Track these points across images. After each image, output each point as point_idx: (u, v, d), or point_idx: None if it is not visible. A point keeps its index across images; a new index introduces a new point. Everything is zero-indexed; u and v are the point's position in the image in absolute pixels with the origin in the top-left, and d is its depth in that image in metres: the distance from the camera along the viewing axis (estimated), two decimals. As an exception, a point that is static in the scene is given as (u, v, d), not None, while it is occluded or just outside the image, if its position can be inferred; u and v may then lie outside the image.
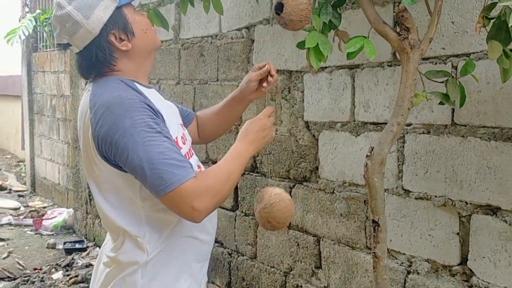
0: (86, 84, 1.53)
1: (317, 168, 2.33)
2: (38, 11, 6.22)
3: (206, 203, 1.33)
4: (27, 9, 6.78)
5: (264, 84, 1.67)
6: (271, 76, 1.66)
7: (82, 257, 4.33)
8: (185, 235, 1.48)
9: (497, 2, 1.35)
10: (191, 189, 1.31)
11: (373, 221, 1.49)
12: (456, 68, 1.73)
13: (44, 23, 6.13)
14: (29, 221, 5.34)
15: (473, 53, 1.68)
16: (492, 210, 1.66)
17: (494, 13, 1.38)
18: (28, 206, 6.02)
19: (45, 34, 6.29)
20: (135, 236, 1.43)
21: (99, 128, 1.33)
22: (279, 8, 1.52)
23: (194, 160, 1.55)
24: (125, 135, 1.29)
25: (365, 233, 2.11)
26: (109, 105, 1.33)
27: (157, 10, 2.12)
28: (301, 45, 1.65)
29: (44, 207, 5.92)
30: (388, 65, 1.98)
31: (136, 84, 1.44)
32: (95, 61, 1.43)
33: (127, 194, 1.42)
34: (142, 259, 1.43)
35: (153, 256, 1.44)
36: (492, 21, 1.37)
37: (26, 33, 5.90)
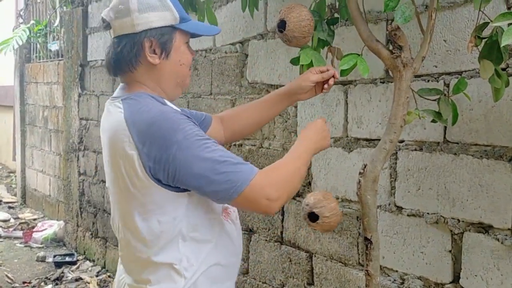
0: (108, 101, 1.44)
1: (310, 183, 2.32)
2: (32, 22, 6.22)
3: (280, 192, 1.29)
4: (21, 20, 6.78)
5: (326, 86, 1.62)
6: (334, 78, 1.62)
7: (72, 271, 4.28)
8: (218, 260, 1.42)
9: (488, 22, 1.36)
10: (262, 181, 1.27)
11: (366, 238, 1.49)
12: (448, 85, 1.74)
13: (38, 34, 6.13)
14: (19, 233, 5.28)
15: (465, 71, 1.69)
16: (484, 228, 1.66)
17: (486, 32, 1.39)
18: (18, 218, 5.96)
19: (38, 45, 6.28)
20: (170, 263, 1.35)
21: (148, 147, 1.26)
22: (281, 25, 1.53)
23: None
24: (181, 149, 1.24)
25: (358, 250, 2.10)
26: (153, 121, 1.26)
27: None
28: (295, 61, 1.66)
29: (35, 219, 5.86)
30: (381, 82, 1.98)
31: (166, 101, 1.39)
32: (119, 52, 1.37)
33: (169, 216, 1.34)
34: (180, 286, 1.36)
35: (192, 283, 1.36)
36: (484, 40, 1.38)
37: (20, 43, 5.89)
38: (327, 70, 1.59)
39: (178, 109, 1.36)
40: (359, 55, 1.52)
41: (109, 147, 1.38)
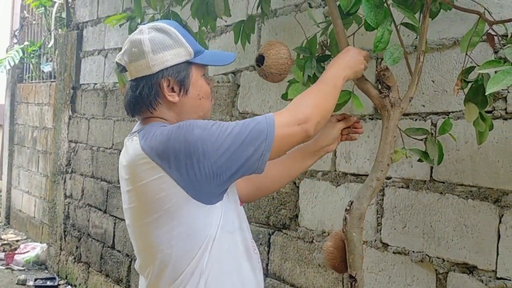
0: (127, 138, 1.42)
1: (297, 216, 2.32)
2: (26, 42, 6.25)
3: (306, 112, 1.31)
4: (15, 40, 6.80)
5: (355, 136, 1.64)
6: (357, 122, 1.63)
7: (53, 296, 4.20)
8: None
9: (475, 66, 1.39)
10: (284, 113, 1.32)
11: (350, 276, 1.48)
12: (435, 125, 1.76)
13: (32, 55, 6.15)
14: (1, 254, 5.18)
15: (452, 112, 1.72)
16: (469, 269, 1.66)
17: (472, 76, 1.42)
18: (1, 238, 5.86)
19: (31, 66, 6.29)
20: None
21: (175, 163, 1.25)
22: (260, 60, 1.55)
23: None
24: (206, 140, 1.24)
25: (343, 285, 2.09)
26: (168, 136, 1.26)
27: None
28: (285, 97, 1.67)
29: (17, 241, 5.76)
30: (369, 118, 2.01)
31: None
32: (138, 95, 1.36)
33: (203, 233, 1.30)
34: None
35: None
36: (470, 84, 1.41)
37: (12, 64, 5.90)
38: (343, 118, 1.60)
39: None
40: (350, 92, 1.54)
41: (129, 179, 1.35)
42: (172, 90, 1.37)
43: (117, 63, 1.42)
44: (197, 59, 1.40)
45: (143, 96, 1.36)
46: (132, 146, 1.34)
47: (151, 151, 1.27)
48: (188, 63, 1.38)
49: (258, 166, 1.29)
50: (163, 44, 1.35)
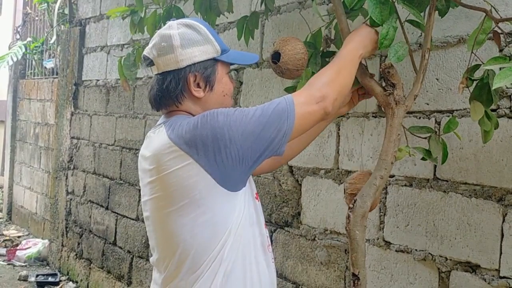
0: (150, 129, 1.45)
1: (299, 213, 2.31)
2: (29, 39, 6.24)
3: (324, 90, 1.32)
4: (18, 36, 6.80)
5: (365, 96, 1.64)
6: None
7: (54, 292, 4.21)
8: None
9: (480, 64, 1.38)
10: (303, 93, 1.34)
11: (353, 274, 1.48)
12: (439, 123, 1.75)
13: (34, 51, 6.15)
14: (3, 250, 5.19)
15: (457, 110, 1.71)
16: (472, 268, 1.66)
17: (478, 74, 1.41)
18: (2, 234, 5.87)
19: (34, 62, 6.29)
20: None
21: (203, 148, 1.27)
22: (275, 57, 1.54)
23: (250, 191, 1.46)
24: (231, 126, 1.27)
25: (345, 283, 2.08)
26: (195, 125, 1.29)
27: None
28: (289, 90, 1.66)
29: (19, 237, 5.77)
30: (373, 116, 2.00)
31: None
32: (165, 89, 1.39)
33: (227, 223, 1.32)
34: None
35: None
36: (475, 82, 1.40)
37: (15, 59, 5.90)
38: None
39: None
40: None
41: (154, 169, 1.35)
42: (198, 85, 1.40)
43: (144, 56, 1.44)
44: (223, 57, 1.43)
45: (170, 90, 1.39)
46: (158, 137, 1.37)
47: (179, 140, 1.30)
48: (215, 60, 1.41)
49: (280, 147, 1.32)
50: (192, 40, 1.38)
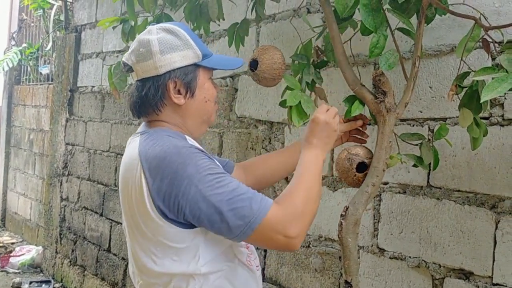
0: (130, 138, 1.42)
1: (293, 220, 2.31)
2: (24, 45, 6.24)
3: (299, 227, 1.22)
4: (13, 42, 6.79)
5: (364, 137, 1.62)
6: (364, 123, 1.61)
7: (48, 299, 4.18)
8: None
9: (469, 72, 1.39)
10: (278, 216, 1.20)
11: (346, 282, 1.47)
12: (433, 131, 1.76)
13: (30, 57, 6.14)
14: (-4, 257, 5.16)
15: (450, 118, 1.72)
16: (465, 275, 1.66)
17: (468, 81, 1.42)
18: (-4, 241, 5.84)
19: (29, 68, 6.28)
20: None
21: (159, 182, 1.22)
22: (253, 64, 1.55)
23: None
24: (192, 184, 1.19)
25: (339, 290, 2.08)
26: (165, 155, 1.22)
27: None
28: (283, 103, 1.67)
29: (13, 243, 5.74)
30: (367, 123, 2.00)
31: (186, 136, 1.36)
32: (144, 96, 1.35)
33: (185, 257, 1.28)
34: None
35: None
36: (465, 89, 1.41)
37: (10, 65, 5.89)
38: (355, 120, 1.58)
39: (199, 146, 1.32)
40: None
41: (123, 181, 1.34)
42: (179, 92, 1.36)
43: (123, 62, 1.40)
44: (205, 62, 1.38)
45: (149, 97, 1.35)
46: (132, 147, 1.34)
47: (145, 161, 1.25)
48: (196, 65, 1.37)
49: (226, 237, 1.24)
50: (171, 45, 1.34)
